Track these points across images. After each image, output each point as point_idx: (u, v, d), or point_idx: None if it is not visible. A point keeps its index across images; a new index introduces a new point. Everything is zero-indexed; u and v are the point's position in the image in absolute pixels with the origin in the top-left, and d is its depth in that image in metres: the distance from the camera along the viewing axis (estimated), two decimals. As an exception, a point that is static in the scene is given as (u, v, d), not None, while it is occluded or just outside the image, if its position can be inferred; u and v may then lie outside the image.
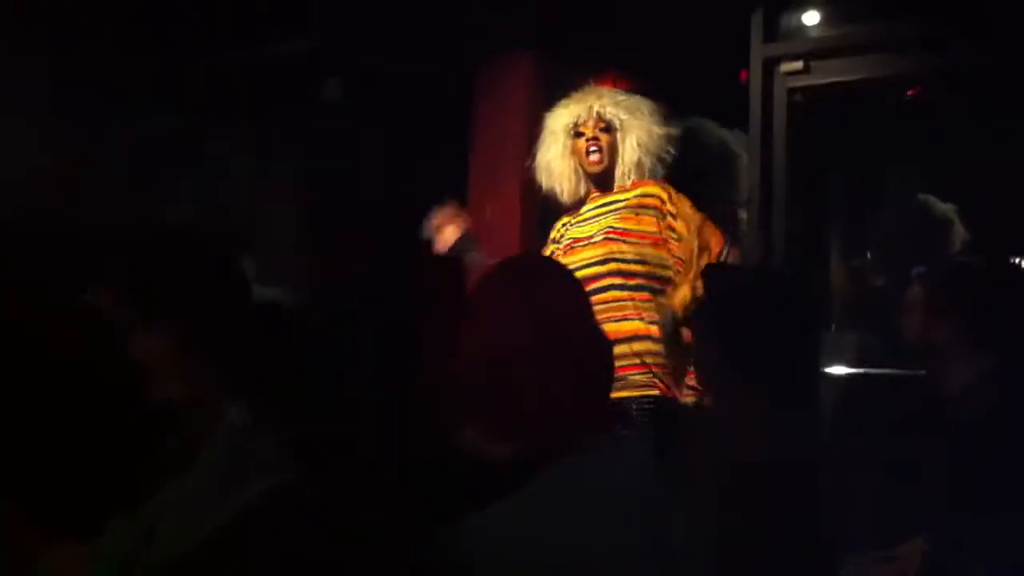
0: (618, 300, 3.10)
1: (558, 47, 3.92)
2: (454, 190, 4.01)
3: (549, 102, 3.50)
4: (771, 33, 3.69)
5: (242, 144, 4.28)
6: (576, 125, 3.31)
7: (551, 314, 1.50)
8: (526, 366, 1.44)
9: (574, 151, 3.31)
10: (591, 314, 1.62)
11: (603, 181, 3.32)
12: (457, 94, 4.07)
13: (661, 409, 3.00)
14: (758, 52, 3.68)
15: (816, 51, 3.62)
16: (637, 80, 3.53)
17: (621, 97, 3.34)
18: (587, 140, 3.27)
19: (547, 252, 3.36)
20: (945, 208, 4.17)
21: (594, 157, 3.26)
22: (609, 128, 3.27)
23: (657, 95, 3.41)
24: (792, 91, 3.66)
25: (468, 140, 4.13)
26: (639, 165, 3.27)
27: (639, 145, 3.27)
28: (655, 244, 3.15)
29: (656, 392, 3.03)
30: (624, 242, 3.14)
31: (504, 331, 1.47)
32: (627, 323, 3.08)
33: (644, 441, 1.56)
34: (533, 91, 3.98)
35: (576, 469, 1.40)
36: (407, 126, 4.16)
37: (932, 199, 4.22)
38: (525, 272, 1.62)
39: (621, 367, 3.01)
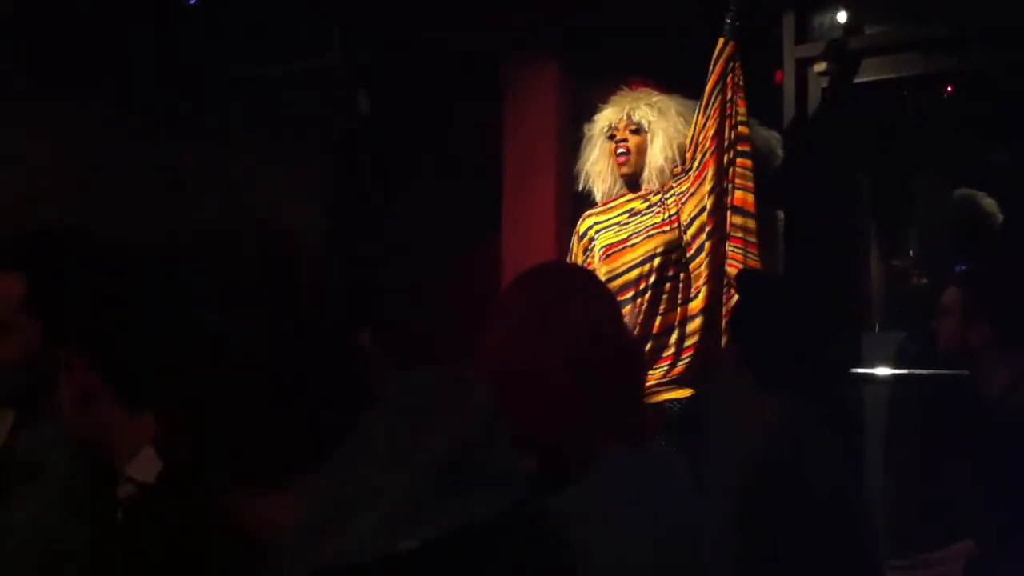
0: (664, 293, 3.20)
1: (586, 51, 3.94)
2: (487, 197, 4.04)
3: (579, 108, 3.54)
4: (804, 34, 3.68)
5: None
6: (610, 127, 3.36)
7: (577, 323, 1.47)
8: (550, 376, 1.42)
9: (609, 153, 3.36)
10: (620, 322, 1.61)
11: (632, 183, 3.36)
12: (487, 99, 4.10)
13: (691, 413, 3.04)
14: (791, 53, 3.67)
15: (850, 51, 3.59)
16: (668, 82, 3.53)
17: (655, 98, 3.37)
18: (617, 142, 3.31)
19: (575, 249, 3.42)
20: (988, 203, 4.11)
21: (621, 159, 3.31)
22: (639, 130, 3.30)
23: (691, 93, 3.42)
24: (825, 91, 3.65)
25: (500, 146, 4.15)
26: (662, 171, 3.30)
27: (664, 150, 3.29)
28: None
29: (688, 393, 3.08)
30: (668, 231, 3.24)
31: (526, 340, 1.46)
32: (669, 314, 3.18)
33: (672, 449, 1.54)
34: (562, 96, 4.00)
35: (603, 481, 1.40)
36: (438, 131, 4.20)
37: (976, 193, 4.16)
38: (550, 281, 1.59)
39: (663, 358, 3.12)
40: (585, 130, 3.49)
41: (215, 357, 0.87)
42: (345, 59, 4.12)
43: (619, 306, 1.70)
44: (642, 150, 3.30)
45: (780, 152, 3.79)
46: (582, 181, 3.49)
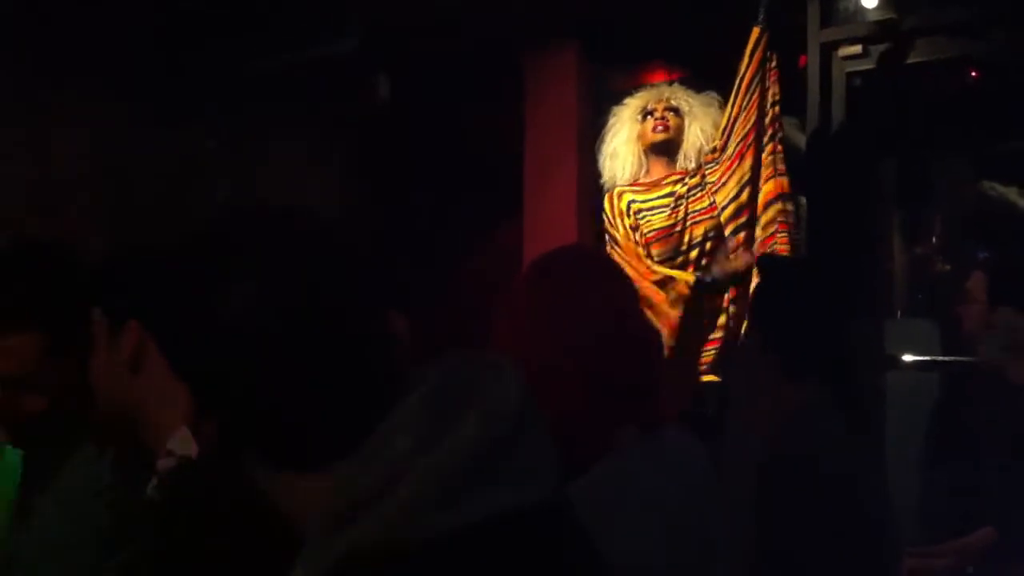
0: None
1: (607, 38, 3.93)
2: (508, 184, 4.04)
3: (599, 95, 3.55)
4: (828, 18, 3.65)
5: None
6: (645, 108, 3.40)
7: (592, 310, 1.46)
8: (564, 363, 1.40)
9: (640, 135, 3.38)
10: (637, 308, 1.60)
11: (666, 150, 3.38)
12: (508, 86, 4.09)
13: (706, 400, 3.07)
14: (815, 37, 3.64)
15: (875, 35, 3.56)
16: (689, 69, 3.54)
17: (691, 93, 3.45)
18: (656, 119, 3.35)
19: (619, 223, 3.41)
20: (1006, 191, 4.08)
21: (659, 129, 3.35)
22: (678, 112, 3.36)
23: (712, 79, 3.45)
24: (851, 75, 3.62)
25: (520, 133, 4.15)
26: (699, 151, 3.37)
27: (703, 132, 3.36)
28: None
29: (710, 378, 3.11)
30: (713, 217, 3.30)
31: (540, 328, 1.45)
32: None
33: (688, 437, 1.52)
34: (583, 83, 4.00)
35: (616, 468, 1.39)
36: (458, 122, 4.20)
37: (996, 186, 4.13)
38: (565, 267, 1.56)
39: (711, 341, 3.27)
40: (613, 113, 3.52)
41: (251, 338, 0.87)
42: (364, 46, 4.12)
43: (635, 291, 1.67)
44: (680, 130, 3.35)
45: (799, 139, 3.77)
46: (604, 163, 3.50)
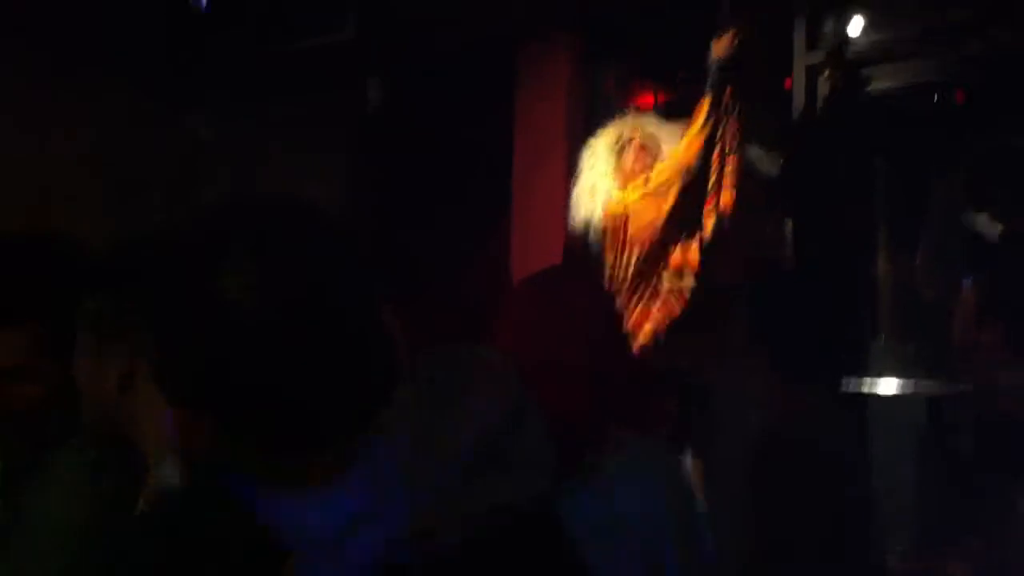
0: None
1: (600, 40, 3.94)
2: (498, 182, 4.03)
3: (591, 96, 3.51)
4: (814, 41, 3.67)
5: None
6: (620, 139, 3.30)
7: (582, 317, 1.49)
8: (557, 367, 1.43)
9: (617, 168, 3.29)
10: (618, 322, 1.62)
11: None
12: (500, 84, 4.09)
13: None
14: (801, 60, 3.67)
15: (859, 58, 3.59)
16: (673, 87, 3.54)
17: (661, 121, 3.34)
18: (634, 151, 3.26)
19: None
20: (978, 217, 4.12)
21: (639, 168, 3.23)
22: (653, 143, 3.27)
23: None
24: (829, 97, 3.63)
25: (510, 131, 4.14)
26: None
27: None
28: None
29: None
30: None
31: (535, 333, 1.48)
32: None
33: (661, 451, 1.53)
34: (574, 84, 3.99)
35: (603, 470, 1.40)
36: (450, 116, 4.19)
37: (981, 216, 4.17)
38: (557, 278, 1.63)
39: None
40: (588, 146, 3.39)
41: (248, 330, 0.85)
42: (359, 39, 4.11)
43: (618, 303, 1.70)
44: (657, 161, 3.23)
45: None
46: (581, 198, 3.35)
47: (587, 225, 3.33)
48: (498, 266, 3.56)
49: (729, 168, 2.99)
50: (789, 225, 3.60)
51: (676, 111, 3.44)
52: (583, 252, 3.19)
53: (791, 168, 3.58)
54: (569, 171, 3.60)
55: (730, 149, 2.98)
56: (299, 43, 4.12)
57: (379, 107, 4.36)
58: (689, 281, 2.98)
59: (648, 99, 3.90)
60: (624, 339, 1.56)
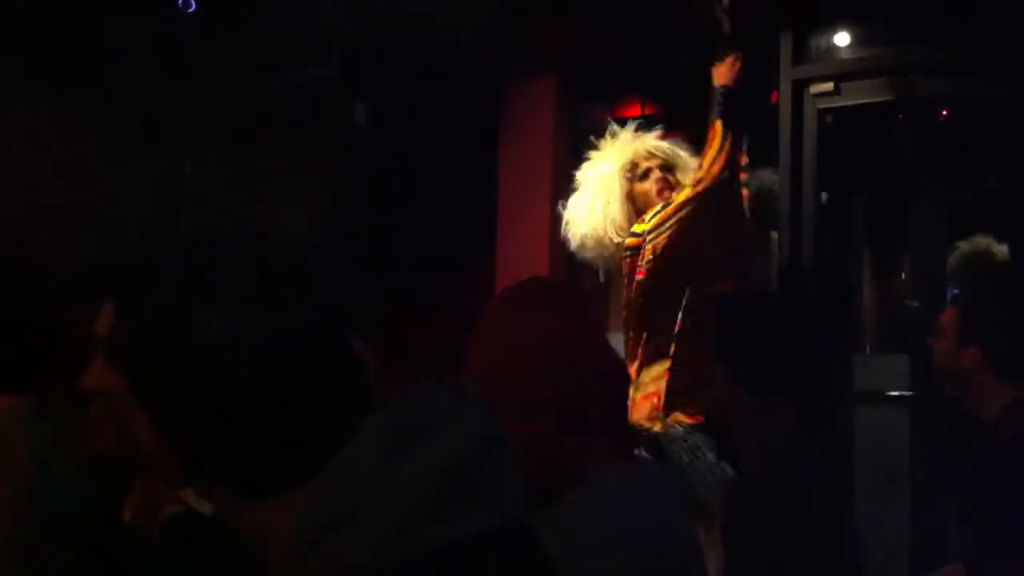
0: None
1: (581, 73, 3.94)
2: (483, 212, 4.03)
3: (576, 126, 3.51)
4: (801, 55, 3.68)
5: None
6: (635, 164, 3.15)
7: (559, 340, 1.47)
8: (531, 392, 1.41)
9: (641, 193, 3.15)
10: (604, 340, 1.60)
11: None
12: (485, 114, 4.10)
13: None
14: (787, 74, 3.67)
15: (847, 73, 3.60)
16: (662, 105, 3.54)
17: (677, 146, 3.24)
18: (658, 180, 3.11)
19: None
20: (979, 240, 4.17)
21: (665, 194, 3.07)
22: (672, 170, 3.16)
23: (684, 118, 3.41)
24: (822, 112, 3.65)
25: (495, 164, 4.15)
26: None
27: None
28: None
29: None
30: None
31: (508, 358, 1.46)
32: None
33: (659, 467, 1.53)
34: (559, 115, 4.00)
35: (588, 497, 1.39)
36: (435, 148, 4.20)
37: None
38: (530, 299, 1.59)
39: None
40: (590, 158, 3.27)
41: (219, 364, 0.86)
42: (343, 72, 4.11)
43: (601, 325, 1.67)
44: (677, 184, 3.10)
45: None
46: (589, 214, 3.20)
47: (592, 253, 3.25)
48: (482, 297, 3.56)
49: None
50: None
51: (667, 125, 3.38)
52: (569, 283, 3.15)
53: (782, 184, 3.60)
54: (554, 203, 3.53)
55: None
56: (283, 77, 4.12)
57: (363, 142, 4.36)
58: None
59: (635, 111, 3.90)
60: (605, 371, 1.52)
